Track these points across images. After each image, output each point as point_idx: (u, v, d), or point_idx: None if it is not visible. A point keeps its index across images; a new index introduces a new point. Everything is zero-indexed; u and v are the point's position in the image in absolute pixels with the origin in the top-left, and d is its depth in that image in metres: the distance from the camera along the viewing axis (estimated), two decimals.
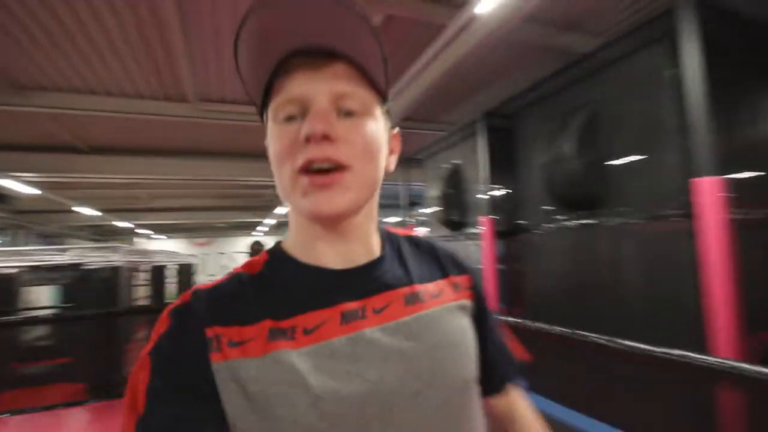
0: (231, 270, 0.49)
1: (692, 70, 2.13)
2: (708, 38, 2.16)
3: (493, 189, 3.61)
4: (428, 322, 0.47)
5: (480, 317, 0.55)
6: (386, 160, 0.48)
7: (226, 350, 0.39)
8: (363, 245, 0.48)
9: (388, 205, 11.12)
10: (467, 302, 0.53)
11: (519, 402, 0.59)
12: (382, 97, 0.46)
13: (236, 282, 0.44)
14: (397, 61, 3.67)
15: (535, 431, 0.57)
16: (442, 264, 0.55)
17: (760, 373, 0.97)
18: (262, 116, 0.47)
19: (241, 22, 0.38)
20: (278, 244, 0.50)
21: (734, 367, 1.15)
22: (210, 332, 0.39)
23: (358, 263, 0.48)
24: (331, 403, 0.38)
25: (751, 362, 1.17)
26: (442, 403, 0.44)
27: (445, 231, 4.31)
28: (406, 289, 0.48)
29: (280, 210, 10.61)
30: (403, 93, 3.86)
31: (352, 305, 0.44)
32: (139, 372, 0.38)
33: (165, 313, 0.42)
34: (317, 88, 0.40)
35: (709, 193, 1.95)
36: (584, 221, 2.89)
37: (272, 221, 13.41)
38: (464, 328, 0.51)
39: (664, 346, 1.27)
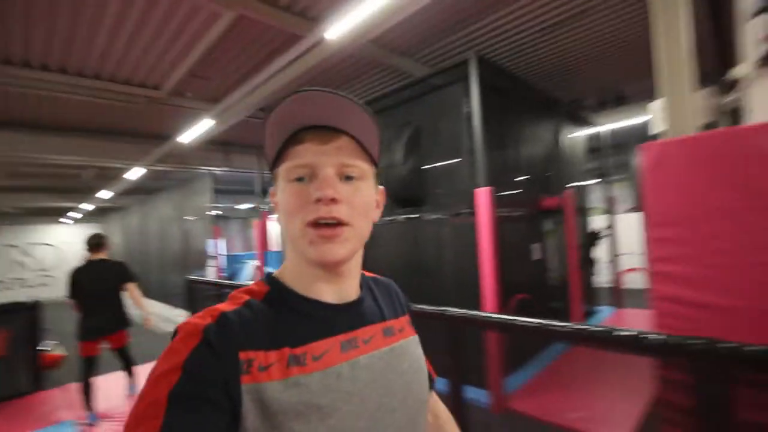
0: (228, 295, 0.54)
1: (474, 106, 2.93)
2: (485, 84, 3.00)
3: None
4: (400, 352, 0.58)
5: None
6: (374, 212, 0.57)
7: (255, 373, 0.44)
8: (352, 284, 0.57)
9: (243, 191, 10.64)
10: (417, 337, 0.65)
11: (437, 404, 0.75)
12: (375, 164, 0.57)
13: (254, 309, 0.50)
14: (255, 58, 3.74)
15: (450, 423, 0.74)
16: (400, 302, 0.67)
17: (513, 320, 1.53)
18: (271, 171, 0.57)
19: (276, 107, 0.50)
20: (274, 278, 0.56)
21: (497, 318, 1.71)
22: (243, 356, 0.44)
23: (348, 299, 0.56)
24: (336, 420, 0.46)
25: (508, 314, 1.74)
26: (410, 418, 0.55)
27: None
28: (382, 324, 0.58)
29: (104, 194, 9.01)
30: (260, 87, 3.94)
31: (347, 336, 0.53)
32: (162, 378, 0.41)
33: (192, 328, 0.45)
34: (325, 159, 0.50)
35: (483, 198, 2.76)
36: (409, 216, 3.59)
37: (89, 206, 11.22)
38: (421, 357, 0.63)
39: (463, 309, 1.77)
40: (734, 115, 2.16)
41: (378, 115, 3.78)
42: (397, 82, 4.21)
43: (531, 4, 3.19)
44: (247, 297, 0.52)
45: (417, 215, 3.54)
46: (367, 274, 0.66)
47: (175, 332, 0.47)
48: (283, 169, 0.52)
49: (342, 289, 0.55)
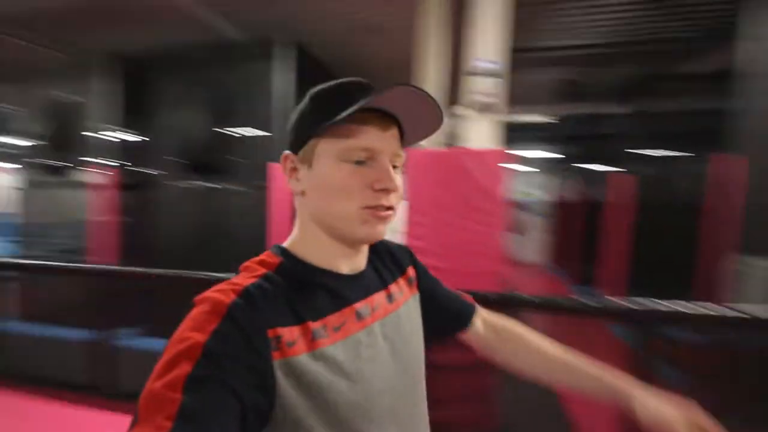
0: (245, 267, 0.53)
1: (277, 83, 3.06)
2: (296, 66, 3.17)
3: (120, 136, 3.43)
4: (401, 317, 0.62)
5: (424, 285, 0.70)
6: None
7: (284, 349, 0.45)
8: (363, 256, 0.60)
9: None
10: (417, 294, 0.68)
11: (491, 317, 0.78)
12: None
13: (273, 283, 0.50)
14: None
15: (516, 327, 0.77)
16: (398, 260, 0.68)
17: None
18: (299, 142, 0.54)
19: (376, 92, 0.49)
20: (285, 249, 0.56)
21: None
22: (271, 333, 0.45)
23: (359, 270, 0.59)
24: (362, 384, 0.50)
25: None
26: (413, 377, 0.60)
27: (39, 174, 3.60)
28: (386, 291, 0.62)
29: None
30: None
31: (360, 305, 0.56)
32: (182, 357, 0.40)
33: (216, 305, 0.44)
34: (385, 146, 0.52)
35: (276, 172, 2.91)
36: (211, 185, 3.39)
37: None
38: (419, 318, 0.67)
39: None
40: (458, 138, 3.04)
41: (177, 66, 3.45)
42: (204, 37, 3.84)
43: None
44: (263, 270, 0.52)
45: (218, 185, 3.38)
46: None
47: (193, 305, 0.46)
48: (335, 143, 0.52)
49: (357, 261, 0.58)
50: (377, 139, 0.52)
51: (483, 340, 0.76)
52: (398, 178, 0.54)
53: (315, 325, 0.49)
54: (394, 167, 0.54)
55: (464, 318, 0.75)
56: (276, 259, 0.54)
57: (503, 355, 0.76)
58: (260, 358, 0.43)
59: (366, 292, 0.58)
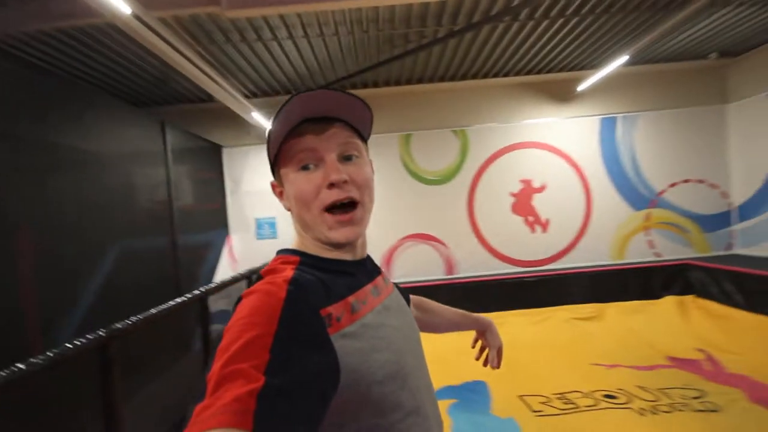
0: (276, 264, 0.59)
1: None
2: None
3: None
4: (397, 296, 0.73)
5: None
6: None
7: (335, 324, 0.52)
8: (362, 248, 0.68)
9: None
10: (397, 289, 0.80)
11: (419, 299, 0.99)
12: (365, 141, 0.67)
13: (309, 272, 0.56)
14: None
15: (424, 301, 1.00)
16: (374, 263, 0.77)
17: None
18: (273, 171, 0.64)
19: (280, 107, 0.55)
20: (296, 250, 0.64)
21: None
22: (323, 312, 0.51)
23: (362, 257, 0.68)
24: (395, 346, 0.58)
25: None
26: (417, 340, 0.70)
27: None
28: (381, 276, 0.72)
29: None
30: None
31: (370, 285, 0.65)
32: (258, 332, 0.43)
33: (272, 296, 0.48)
34: (326, 144, 0.58)
35: None
36: None
37: None
38: (406, 304, 0.77)
39: None
40: None
41: None
42: None
43: None
44: (292, 265, 0.58)
45: None
46: None
47: (239, 299, 0.50)
48: (287, 162, 0.59)
49: (356, 251, 0.66)
50: (315, 141, 0.57)
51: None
52: (355, 169, 0.58)
53: (352, 299, 0.56)
54: (347, 158, 0.59)
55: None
56: (294, 258, 0.60)
57: (424, 324, 0.94)
58: (322, 337, 0.48)
59: (370, 276, 0.67)
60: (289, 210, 0.64)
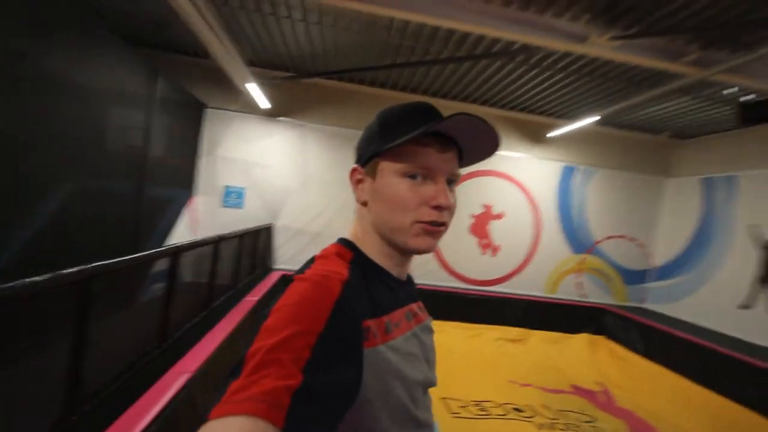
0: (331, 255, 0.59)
1: None
2: None
3: None
4: (428, 326, 0.70)
5: None
6: None
7: (371, 339, 0.51)
8: (409, 266, 0.68)
9: None
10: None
11: None
12: None
13: (357, 277, 0.55)
14: None
15: None
16: (415, 288, 0.76)
17: None
18: (367, 158, 0.62)
19: (423, 110, 0.59)
20: (354, 245, 0.63)
21: None
22: (365, 324, 0.51)
23: (404, 277, 0.66)
24: (416, 374, 0.57)
25: None
26: (432, 380, 0.64)
27: None
28: (417, 303, 0.70)
29: None
30: None
31: (408, 308, 0.64)
32: (305, 328, 0.43)
33: (326, 295, 0.47)
34: (444, 165, 0.57)
35: None
36: None
37: None
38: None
39: None
40: None
41: None
42: None
43: None
44: (346, 262, 0.57)
45: None
46: None
47: (291, 279, 0.51)
48: (397, 159, 0.58)
49: (405, 270, 0.66)
50: (435, 159, 0.57)
51: None
52: (452, 197, 0.59)
53: (387, 319, 0.56)
54: (450, 182, 0.59)
55: None
56: (349, 253, 0.60)
57: None
58: (359, 349, 0.48)
59: (409, 299, 0.66)
60: (362, 202, 0.63)
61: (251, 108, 5.00)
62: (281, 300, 0.46)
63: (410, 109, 0.61)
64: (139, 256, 1.67)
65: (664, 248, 5.83)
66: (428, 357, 0.65)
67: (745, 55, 2.89)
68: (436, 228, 0.58)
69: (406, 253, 0.62)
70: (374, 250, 0.62)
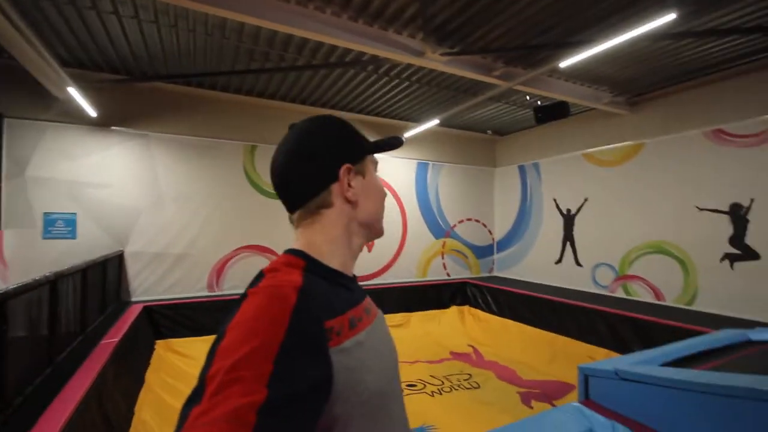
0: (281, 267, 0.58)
1: None
2: None
3: None
4: (382, 321, 0.70)
5: None
6: None
7: (335, 338, 0.51)
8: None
9: None
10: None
11: None
12: None
13: (315, 281, 0.56)
14: None
15: None
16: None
17: None
18: (358, 157, 0.68)
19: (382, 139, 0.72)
20: (302, 251, 0.62)
21: None
22: (327, 325, 0.51)
23: (353, 275, 0.68)
24: (382, 367, 0.58)
25: None
26: (397, 369, 0.67)
27: None
28: (368, 297, 0.70)
29: None
30: None
31: (364, 303, 0.65)
32: (264, 341, 0.42)
33: (281, 305, 0.47)
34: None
35: None
36: None
37: None
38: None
39: None
40: None
41: None
42: None
43: None
44: (298, 270, 0.57)
45: None
46: None
47: (244, 295, 0.50)
48: (372, 162, 0.72)
49: (353, 266, 0.69)
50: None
51: None
52: None
53: (350, 316, 0.57)
54: None
55: None
56: (300, 261, 0.59)
57: None
58: (324, 350, 0.48)
59: (362, 295, 0.67)
60: (349, 202, 0.66)
61: (70, 117, 4.15)
62: (236, 317, 0.45)
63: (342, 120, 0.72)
64: None
65: (500, 225, 7.12)
66: (391, 348, 0.66)
67: (533, 70, 3.80)
68: None
69: (365, 243, 0.70)
70: (333, 252, 0.63)
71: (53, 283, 2.28)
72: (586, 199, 5.58)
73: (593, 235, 5.46)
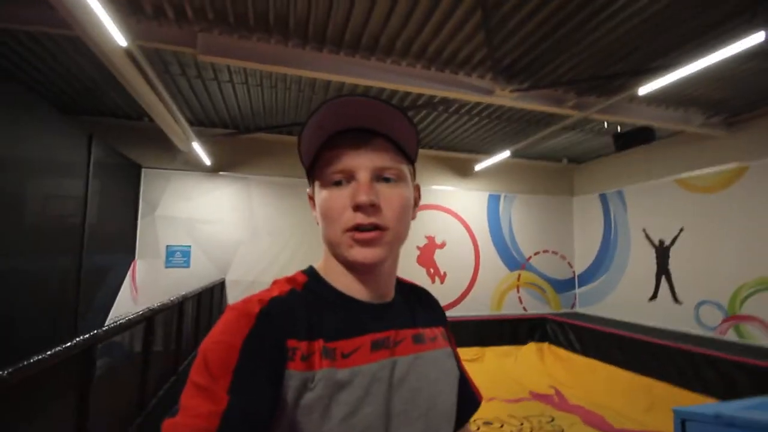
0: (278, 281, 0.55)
1: None
2: None
3: None
4: (429, 360, 0.56)
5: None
6: (413, 211, 0.57)
7: (298, 362, 0.45)
8: (385, 286, 0.57)
9: None
10: (450, 349, 0.63)
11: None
12: (412, 162, 0.57)
13: (295, 298, 0.51)
14: None
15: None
16: (437, 313, 0.67)
17: None
18: (309, 177, 0.57)
19: (310, 115, 0.49)
20: (313, 269, 0.58)
21: None
22: (290, 344, 0.46)
23: (383, 300, 0.56)
24: (358, 419, 0.46)
25: None
26: (433, 429, 0.53)
27: None
28: (413, 330, 0.57)
29: None
30: None
31: (378, 336, 0.52)
32: (222, 357, 0.43)
33: (247, 313, 0.46)
34: (360, 162, 0.50)
35: None
36: None
37: None
38: (453, 370, 0.60)
39: None
40: None
41: None
42: None
43: None
44: (290, 286, 0.53)
45: None
46: (405, 280, 0.66)
47: (223, 311, 0.50)
48: (319, 174, 0.53)
49: (376, 289, 0.56)
50: (350, 158, 0.50)
51: None
52: (390, 192, 0.51)
53: (327, 345, 0.48)
54: (386, 180, 0.52)
55: (466, 412, 0.67)
56: (303, 278, 0.56)
57: None
58: (281, 364, 0.45)
59: (389, 325, 0.54)
60: (317, 223, 0.57)
61: (190, 165, 5.01)
62: (208, 334, 0.47)
63: (308, 119, 0.52)
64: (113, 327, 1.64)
65: (581, 257, 6.70)
66: (414, 397, 0.52)
67: (608, 99, 3.74)
68: (365, 234, 0.50)
69: (356, 270, 0.54)
70: (334, 272, 0.56)
71: (180, 305, 2.77)
72: (682, 229, 5.08)
73: (694, 269, 4.90)
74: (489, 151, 6.03)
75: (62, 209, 3.33)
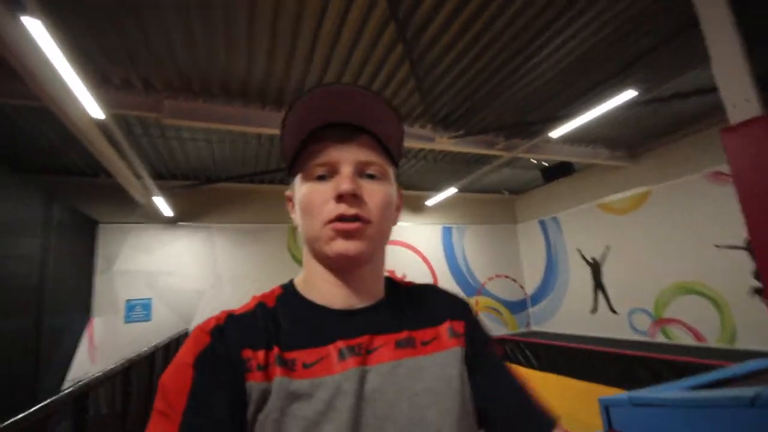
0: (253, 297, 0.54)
1: None
2: None
3: None
4: (415, 369, 0.49)
5: (477, 363, 0.55)
6: (394, 214, 0.55)
7: (255, 373, 0.44)
8: (365, 291, 0.53)
9: None
10: (459, 349, 0.54)
11: None
12: (395, 164, 0.56)
13: (259, 311, 0.50)
14: None
15: None
16: (440, 310, 0.58)
17: None
18: (290, 172, 0.54)
19: (291, 104, 0.48)
20: (291, 281, 0.56)
21: None
22: (244, 354, 0.45)
23: (358, 306, 0.52)
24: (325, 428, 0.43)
25: None
26: None
27: None
28: (396, 335, 0.52)
29: None
30: None
31: (348, 343, 0.48)
32: (178, 377, 0.43)
33: (201, 331, 0.47)
34: (345, 156, 0.49)
35: None
36: None
37: None
38: (451, 377, 0.51)
39: None
40: None
41: None
42: None
43: None
44: (258, 301, 0.52)
45: None
46: (405, 282, 0.63)
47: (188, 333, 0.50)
48: (302, 167, 0.51)
49: (350, 294, 0.52)
50: (334, 151, 0.49)
51: None
52: (374, 188, 0.50)
53: (283, 355, 0.46)
54: (369, 176, 0.51)
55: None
56: (279, 291, 0.55)
57: None
58: (239, 377, 0.44)
59: (363, 331, 0.50)
60: (297, 227, 0.55)
61: (149, 218, 5.06)
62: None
63: (289, 109, 0.50)
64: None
65: (530, 278, 7.30)
66: (385, 412, 0.46)
67: (530, 140, 4.40)
68: (347, 225, 0.48)
69: (337, 268, 0.52)
70: (312, 279, 0.54)
71: (152, 357, 2.82)
72: (608, 247, 5.80)
73: (623, 282, 5.58)
74: (438, 188, 6.59)
75: (18, 269, 3.30)
